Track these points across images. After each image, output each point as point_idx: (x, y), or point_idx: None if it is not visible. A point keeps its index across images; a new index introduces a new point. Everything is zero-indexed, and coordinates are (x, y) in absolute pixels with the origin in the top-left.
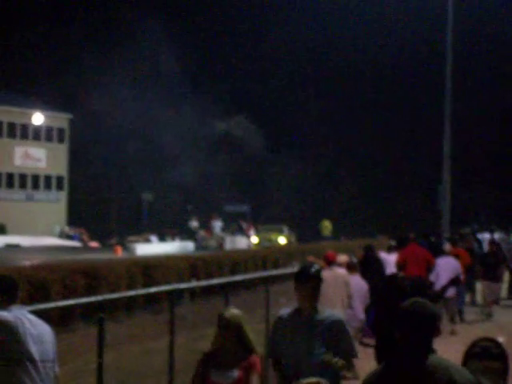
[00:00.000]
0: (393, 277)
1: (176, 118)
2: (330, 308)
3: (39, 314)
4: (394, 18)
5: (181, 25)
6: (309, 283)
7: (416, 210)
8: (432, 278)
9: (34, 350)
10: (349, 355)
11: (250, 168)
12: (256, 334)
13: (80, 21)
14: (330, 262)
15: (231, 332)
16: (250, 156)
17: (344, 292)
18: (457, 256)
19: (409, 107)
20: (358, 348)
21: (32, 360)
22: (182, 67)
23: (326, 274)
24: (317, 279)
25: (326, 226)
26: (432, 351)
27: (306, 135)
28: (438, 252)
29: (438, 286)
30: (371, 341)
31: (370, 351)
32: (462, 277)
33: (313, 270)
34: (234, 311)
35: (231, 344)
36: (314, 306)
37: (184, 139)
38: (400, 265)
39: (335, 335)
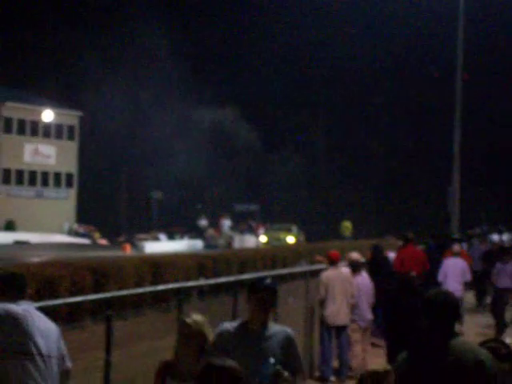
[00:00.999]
0: (404, 277)
1: (176, 112)
2: (335, 307)
3: (47, 310)
4: (401, 20)
5: (180, 21)
6: (261, 295)
7: (425, 211)
8: (440, 278)
9: (42, 344)
10: (297, 371)
11: (249, 164)
12: None
13: (89, 19)
14: (333, 262)
15: (193, 340)
16: (247, 150)
17: (349, 291)
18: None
19: (419, 108)
20: (368, 348)
21: (40, 353)
22: (181, 66)
23: (331, 273)
24: (270, 291)
25: (347, 226)
26: (457, 335)
27: (314, 135)
28: (446, 253)
29: (446, 286)
30: (379, 341)
31: (379, 351)
32: (469, 277)
33: (267, 281)
34: (196, 317)
35: (193, 353)
36: (264, 320)
37: (184, 135)
38: (397, 265)
39: (285, 351)
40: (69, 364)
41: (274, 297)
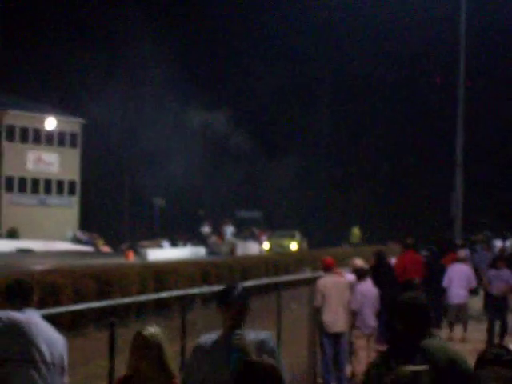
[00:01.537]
0: (408, 283)
1: (175, 118)
2: (333, 314)
3: (50, 318)
4: (402, 23)
5: (175, 25)
6: (231, 305)
7: (428, 217)
8: (445, 283)
9: (46, 352)
10: None
11: (249, 170)
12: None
13: (90, 27)
14: (328, 268)
15: (150, 354)
16: (246, 156)
17: (345, 298)
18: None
19: (421, 113)
20: (373, 355)
21: (45, 361)
22: (179, 73)
23: (326, 280)
24: (241, 302)
25: (355, 233)
26: (430, 336)
27: (316, 141)
28: (447, 258)
29: (451, 292)
30: (384, 347)
31: None
32: (474, 283)
33: (237, 291)
34: (153, 329)
35: (149, 368)
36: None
37: (183, 141)
38: (400, 271)
39: (264, 352)
40: (66, 379)
41: (245, 306)
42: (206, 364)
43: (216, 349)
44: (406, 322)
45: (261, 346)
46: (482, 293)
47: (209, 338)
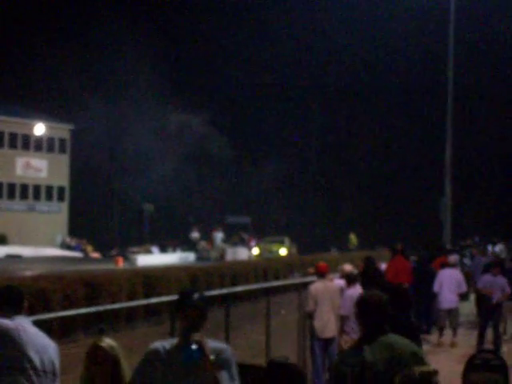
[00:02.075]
0: (396, 288)
1: (161, 123)
2: (324, 319)
3: (40, 324)
4: (393, 25)
5: (162, 32)
6: (189, 312)
7: (417, 222)
8: (435, 288)
9: (36, 359)
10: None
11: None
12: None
13: (81, 32)
14: (322, 274)
15: (106, 367)
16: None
17: (336, 303)
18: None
19: (411, 118)
20: None
21: (35, 369)
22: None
23: (319, 285)
24: (198, 308)
25: (351, 239)
26: (387, 331)
27: (304, 146)
28: (436, 263)
29: (441, 297)
30: None
31: None
32: (464, 288)
33: (195, 297)
34: (110, 341)
35: (104, 382)
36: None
37: (168, 147)
38: (391, 276)
39: (219, 365)
40: None
41: (203, 313)
42: (159, 369)
43: (172, 354)
44: (364, 317)
45: (218, 354)
46: (472, 298)
47: (164, 343)
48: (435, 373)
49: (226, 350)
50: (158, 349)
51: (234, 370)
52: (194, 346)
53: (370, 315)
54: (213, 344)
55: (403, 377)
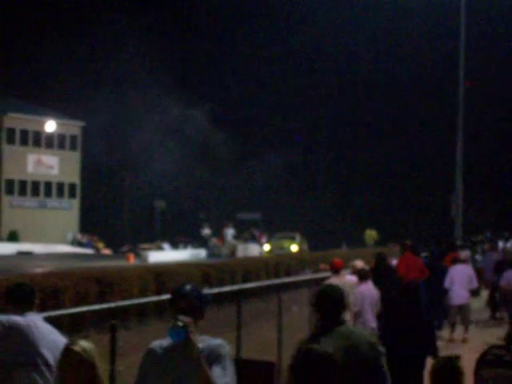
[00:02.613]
0: (407, 284)
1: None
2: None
3: (51, 321)
4: (402, 29)
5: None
6: (180, 305)
7: (429, 218)
8: (446, 284)
9: (48, 355)
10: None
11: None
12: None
13: (88, 30)
14: (337, 270)
15: (82, 371)
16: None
17: (351, 300)
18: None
19: (422, 115)
20: None
21: (47, 364)
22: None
23: (333, 281)
24: (190, 300)
25: (371, 234)
26: (343, 322)
27: (317, 143)
28: (447, 258)
29: (453, 293)
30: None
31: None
32: (475, 284)
33: (186, 288)
34: (85, 344)
35: None
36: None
37: (180, 143)
38: (402, 272)
39: (212, 361)
40: None
41: (196, 306)
42: (157, 369)
43: (169, 353)
44: (322, 308)
45: (210, 351)
46: (483, 294)
47: (163, 341)
48: (459, 358)
49: (222, 346)
50: (153, 349)
51: (228, 367)
52: (179, 323)
53: (327, 306)
54: (209, 341)
55: (437, 365)
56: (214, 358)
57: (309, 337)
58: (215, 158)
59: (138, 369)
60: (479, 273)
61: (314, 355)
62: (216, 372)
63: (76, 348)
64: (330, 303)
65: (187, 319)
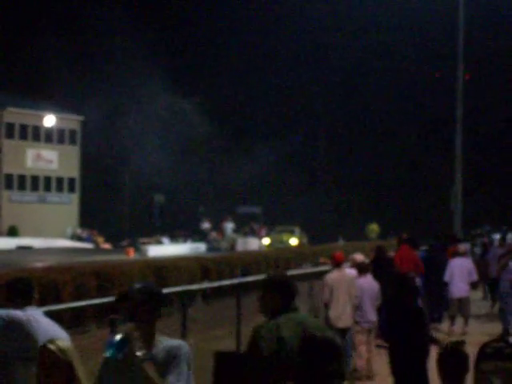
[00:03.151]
0: (403, 276)
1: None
2: (339, 309)
3: (51, 315)
4: (402, 21)
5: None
6: (129, 305)
7: (428, 212)
8: (446, 278)
9: None
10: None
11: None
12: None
13: (90, 24)
14: (338, 263)
15: (57, 371)
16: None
17: (352, 293)
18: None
19: (421, 106)
20: (373, 349)
21: None
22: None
23: (335, 274)
24: (134, 299)
25: (373, 228)
26: (296, 309)
27: (312, 134)
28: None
29: (453, 286)
30: (384, 342)
31: (384, 352)
32: (475, 277)
33: (137, 286)
34: (62, 344)
35: None
36: (145, 337)
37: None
38: (397, 265)
39: (168, 363)
40: None
41: (145, 307)
42: (111, 378)
43: (119, 363)
44: (272, 295)
45: (167, 353)
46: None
47: None
48: (465, 343)
49: (179, 347)
50: (109, 357)
51: (184, 369)
52: (117, 337)
53: (276, 293)
54: (166, 342)
55: (444, 352)
56: (170, 360)
57: (264, 323)
58: (214, 151)
59: (96, 377)
60: (479, 266)
61: (318, 341)
62: (171, 377)
63: (51, 347)
64: (282, 290)
65: (129, 329)
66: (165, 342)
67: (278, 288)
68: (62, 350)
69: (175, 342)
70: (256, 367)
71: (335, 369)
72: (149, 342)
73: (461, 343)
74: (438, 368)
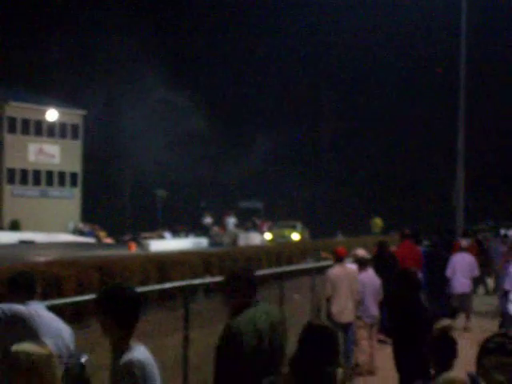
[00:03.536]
0: (404, 271)
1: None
2: (341, 304)
3: (53, 309)
4: (404, 16)
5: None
6: (101, 311)
7: (430, 207)
8: (448, 273)
9: (50, 343)
10: None
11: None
12: None
13: (92, 19)
14: (340, 258)
15: (22, 378)
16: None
17: (354, 288)
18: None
19: (423, 102)
20: (375, 344)
21: None
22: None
23: (337, 270)
24: (108, 302)
25: (377, 223)
26: (257, 302)
27: (318, 131)
28: (452, 248)
29: (454, 281)
30: (386, 337)
31: (386, 347)
32: (477, 273)
33: (105, 289)
34: (29, 347)
35: None
36: (118, 345)
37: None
38: (399, 260)
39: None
40: None
41: (103, 308)
42: None
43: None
44: (237, 289)
45: (116, 372)
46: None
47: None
48: (451, 327)
49: (125, 366)
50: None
51: (127, 379)
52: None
53: (243, 287)
54: (128, 356)
55: (433, 336)
56: (121, 373)
57: (235, 318)
58: (215, 146)
59: None
60: (480, 261)
61: (315, 329)
62: None
63: (18, 350)
64: (248, 284)
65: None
66: (130, 353)
67: (245, 282)
68: (26, 354)
69: (134, 354)
70: (238, 363)
71: (330, 356)
72: (119, 350)
73: (448, 328)
74: (428, 353)
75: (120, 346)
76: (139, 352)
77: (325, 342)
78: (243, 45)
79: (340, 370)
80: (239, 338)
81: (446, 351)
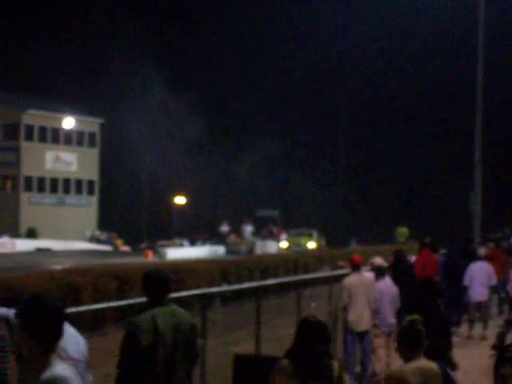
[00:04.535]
0: (428, 280)
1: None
2: (358, 312)
3: (70, 317)
4: (420, 22)
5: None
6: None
7: (447, 215)
8: (466, 282)
9: (69, 348)
10: None
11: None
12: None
13: (110, 29)
14: (357, 266)
15: None
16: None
17: (371, 296)
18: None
19: (440, 111)
20: (392, 353)
21: (69, 358)
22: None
23: (353, 278)
24: (26, 315)
25: (403, 232)
26: (167, 303)
27: (335, 141)
28: (471, 257)
29: (472, 290)
30: None
31: None
32: (494, 282)
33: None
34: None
35: None
36: (39, 362)
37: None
38: (418, 270)
39: None
40: (91, 378)
41: (20, 321)
42: None
43: None
44: (148, 289)
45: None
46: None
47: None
48: (420, 320)
49: (52, 381)
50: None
51: None
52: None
53: (154, 287)
54: (46, 374)
55: (402, 328)
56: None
57: (140, 314)
58: (232, 155)
59: None
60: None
61: (310, 323)
62: None
63: None
64: (155, 283)
65: None
66: (53, 368)
67: (154, 282)
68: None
69: (57, 369)
70: (136, 357)
71: (322, 346)
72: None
73: (416, 320)
74: (396, 343)
75: (40, 363)
76: (61, 368)
77: (318, 335)
78: (260, 48)
79: (336, 363)
80: (136, 334)
81: (413, 342)
